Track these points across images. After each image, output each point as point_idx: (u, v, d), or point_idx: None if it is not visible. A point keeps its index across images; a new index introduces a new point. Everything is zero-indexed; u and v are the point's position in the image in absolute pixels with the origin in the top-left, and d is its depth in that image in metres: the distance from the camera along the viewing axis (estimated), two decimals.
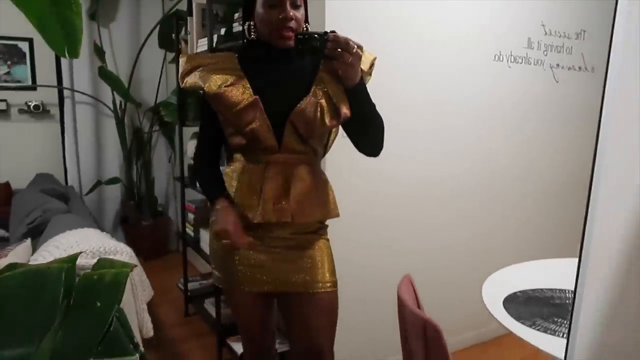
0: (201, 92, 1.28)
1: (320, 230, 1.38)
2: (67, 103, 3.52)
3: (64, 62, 3.45)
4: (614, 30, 0.63)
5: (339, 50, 1.13)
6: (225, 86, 1.24)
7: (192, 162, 2.60)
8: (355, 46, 1.14)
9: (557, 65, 2.57)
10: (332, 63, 1.18)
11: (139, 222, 3.66)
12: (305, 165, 1.31)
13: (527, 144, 2.56)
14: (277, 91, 1.27)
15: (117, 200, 3.78)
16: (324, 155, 1.42)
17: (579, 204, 2.72)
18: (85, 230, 2.02)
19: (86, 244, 1.85)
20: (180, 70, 1.34)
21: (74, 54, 1.41)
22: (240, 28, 1.41)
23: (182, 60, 1.35)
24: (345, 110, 1.23)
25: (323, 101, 1.23)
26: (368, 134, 1.30)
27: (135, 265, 0.67)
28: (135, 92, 3.67)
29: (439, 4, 2.12)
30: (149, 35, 3.32)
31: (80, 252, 0.91)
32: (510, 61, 2.40)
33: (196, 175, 1.51)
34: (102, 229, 3.69)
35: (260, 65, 1.30)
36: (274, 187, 1.27)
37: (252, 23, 1.27)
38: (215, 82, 1.25)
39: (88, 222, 2.34)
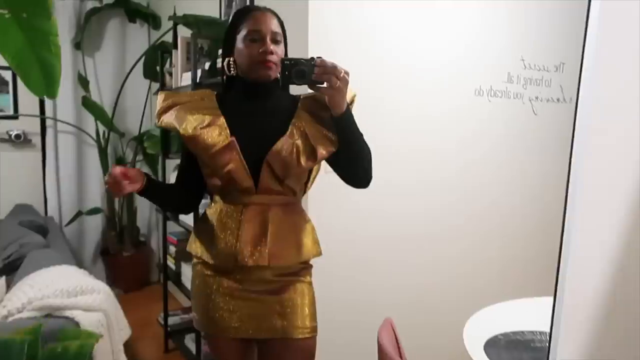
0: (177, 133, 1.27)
1: (302, 271, 1.34)
2: (49, 132, 3.49)
3: None
4: (583, 62, 0.64)
5: (327, 75, 1.12)
6: (201, 127, 1.23)
7: None
8: (343, 71, 1.13)
9: (536, 97, 2.62)
10: (319, 89, 1.15)
11: (120, 253, 3.59)
12: (283, 205, 1.29)
13: (507, 179, 2.57)
14: (254, 131, 1.26)
15: (98, 231, 3.71)
16: (304, 193, 1.39)
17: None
18: (62, 268, 1.97)
19: (61, 283, 1.81)
20: (157, 108, 1.32)
21: (52, 94, 1.40)
22: None
23: (159, 97, 1.33)
24: (322, 151, 1.23)
25: (299, 142, 1.22)
26: (356, 165, 1.27)
27: (101, 336, 0.64)
28: (119, 121, 3.65)
29: (420, 39, 2.16)
30: (134, 65, 3.33)
31: (40, 324, 0.87)
32: (491, 95, 2.44)
33: None
34: (82, 261, 3.64)
35: (238, 103, 1.29)
36: (251, 230, 1.25)
37: (231, 59, 1.27)
38: (191, 124, 1.24)
39: (65, 258, 2.29)
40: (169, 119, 1.28)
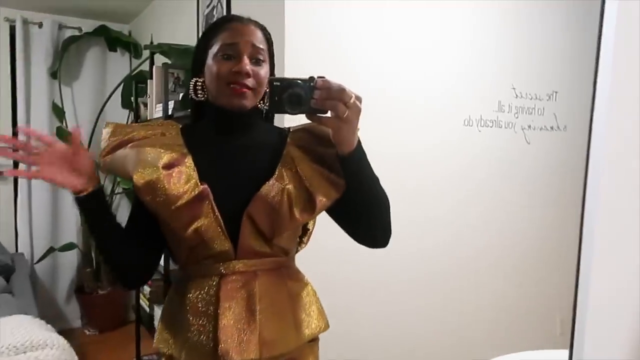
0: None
1: (305, 351, 1.03)
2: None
3: (20, 121, 3.29)
4: (596, 87, 0.53)
5: (331, 100, 0.84)
6: (162, 172, 0.91)
7: None
8: (353, 96, 0.85)
9: (529, 126, 2.51)
10: (320, 120, 0.87)
11: (96, 291, 3.39)
12: (273, 270, 0.97)
13: (502, 212, 2.43)
14: (230, 175, 0.96)
15: (73, 267, 3.52)
16: (298, 251, 1.10)
17: (562, 277, 2.62)
18: (15, 318, 1.79)
19: (10, 337, 1.63)
20: (102, 145, 0.99)
21: None
22: None
23: (105, 131, 1.00)
24: (321, 198, 0.93)
25: (291, 187, 0.93)
26: (369, 220, 0.97)
27: None
28: (97, 152, 3.50)
29: (406, 68, 2.05)
30: (110, 95, 3.20)
31: None
32: (480, 125, 2.33)
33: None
34: (55, 300, 3.44)
35: (209, 138, 1.00)
36: (233, 310, 0.92)
37: (200, 80, 0.99)
38: (148, 168, 0.92)
39: (25, 305, 2.11)
40: (116, 162, 0.96)
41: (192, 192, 0.90)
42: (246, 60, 0.93)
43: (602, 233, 0.56)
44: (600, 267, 0.57)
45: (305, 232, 1.08)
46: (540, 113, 2.54)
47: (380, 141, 2.00)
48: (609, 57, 0.49)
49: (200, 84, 0.98)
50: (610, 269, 0.58)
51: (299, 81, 0.85)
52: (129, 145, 0.98)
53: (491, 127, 2.37)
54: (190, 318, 0.94)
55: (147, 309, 2.60)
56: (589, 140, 0.53)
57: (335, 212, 1.00)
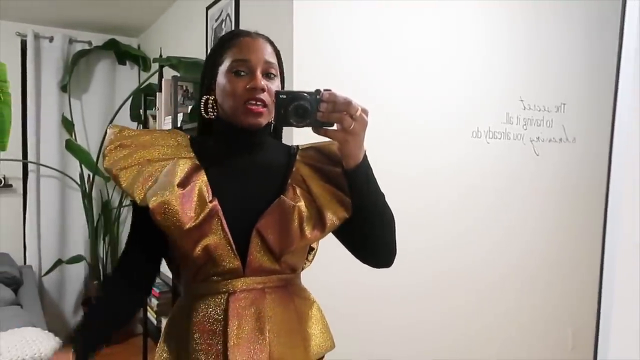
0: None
1: None
2: (31, 177, 3.36)
3: (30, 134, 3.32)
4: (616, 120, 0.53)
5: (337, 113, 0.84)
6: (178, 186, 0.89)
7: None
8: (359, 108, 0.85)
9: (537, 138, 2.50)
10: (327, 133, 0.87)
11: None
12: (280, 288, 0.97)
13: (509, 224, 2.41)
14: (241, 191, 0.95)
15: (80, 279, 3.52)
16: (304, 268, 1.08)
17: (573, 290, 2.58)
18: (22, 331, 1.79)
19: (18, 350, 1.63)
20: (104, 151, 0.95)
21: (1, 147, 1.27)
22: None
23: (111, 131, 0.97)
24: (330, 217, 0.93)
25: (302, 204, 0.93)
26: (375, 238, 0.96)
27: None
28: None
29: (414, 81, 2.05)
30: (119, 108, 3.23)
31: None
32: (489, 137, 2.32)
33: (103, 288, 1.00)
34: (62, 312, 3.43)
35: (220, 154, 0.98)
36: (243, 329, 0.90)
37: (211, 98, 0.98)
38: (161, 186, 0.89)
39: (33, 317, 2.11)
40: (128, 174, 0.92)
41: (203, 212, 0.88)
42: (259, 75, 0.93)
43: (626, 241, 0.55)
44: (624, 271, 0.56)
45: (310, 250, 1.07)
46: (549, 125, 2.53)
47: (387, 153, 1.99)
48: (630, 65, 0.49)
49: (211, 102, 0.98)
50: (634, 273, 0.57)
51: (305, 94, 0.85)
52: (138, 152, 0.94)
53: (500, 138, 2.36)
54: (197, 337, 0.91)
55: (155, 322, 2.59)
56: (610, 148, 0.53)
57: (340, 231, 0.97)
